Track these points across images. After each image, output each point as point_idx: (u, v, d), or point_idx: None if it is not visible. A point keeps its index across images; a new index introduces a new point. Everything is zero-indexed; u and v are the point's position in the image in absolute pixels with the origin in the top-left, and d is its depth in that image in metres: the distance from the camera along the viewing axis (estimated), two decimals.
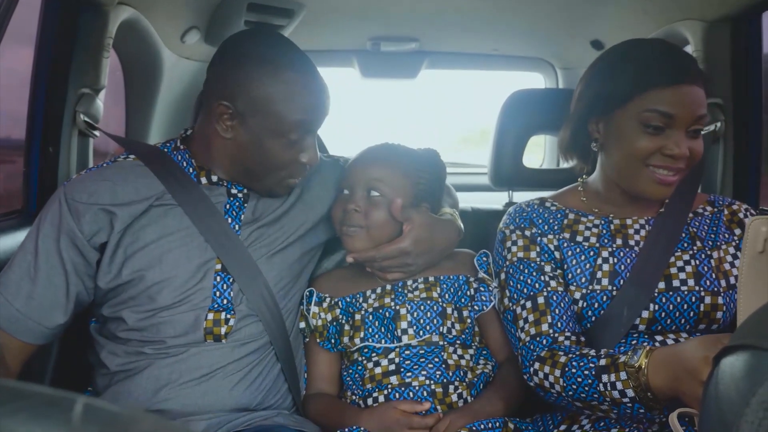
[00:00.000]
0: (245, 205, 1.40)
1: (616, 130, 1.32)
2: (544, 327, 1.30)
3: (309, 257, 1.52)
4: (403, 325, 1.40)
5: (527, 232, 1.40)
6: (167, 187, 1.34)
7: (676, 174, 1.29)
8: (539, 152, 3.06)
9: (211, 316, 1.32)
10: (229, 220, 1.37)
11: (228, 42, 1.36)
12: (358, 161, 1.48)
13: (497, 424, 1.32)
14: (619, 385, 1.13)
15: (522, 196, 1.83)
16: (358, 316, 1.44)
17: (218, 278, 1.34)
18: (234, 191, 1.40)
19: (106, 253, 1.30)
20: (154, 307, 1.30)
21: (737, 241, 1.36)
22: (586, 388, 1.18)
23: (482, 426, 1.30)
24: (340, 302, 1.47)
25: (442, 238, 1.47)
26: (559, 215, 1.42)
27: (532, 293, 1.34)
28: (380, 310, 1.43)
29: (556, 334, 1.29)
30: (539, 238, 1.39)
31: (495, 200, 2.07)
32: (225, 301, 1.33)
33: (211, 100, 1.33)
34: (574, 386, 1.19)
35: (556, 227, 1.40)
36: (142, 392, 1.29)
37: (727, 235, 1.37)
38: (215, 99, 1.31)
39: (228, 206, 1.38)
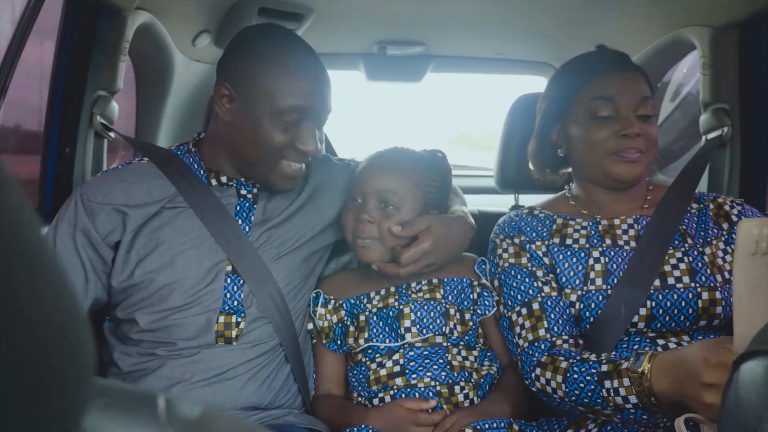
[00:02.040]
0: (255, 206, 1.41)
1: (572, 128, 1.41)
2: (541, 332, 1.31)
3: (317, 258, 1.53)
4: (407, 323, 1.41)
5: (516, 240, 1.42)
6: (178, 189, 1.36)
7: (638, 152, 1.35)
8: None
9: (222, 318, 1.33)
10: (240, 221, 1.39)
11: (235, 36, 1.41)
12: (370, 170, 1.47)
13: (502, 424, 1.32)
14: (622, 391, 1.14)
15: (528, 199, 1.85)
16: (362, 317, 1.45)
17: (228, 280, 1.35)
18: (243, 192, 1.41)
19: (120, 252, 1.31)
20: (165, 309, 1.31)
21: (726, 236, 1.38)
22: (589, 394, 1.19)
23: (487, 426, 1.30)
24: (344, 304, 1.48)
25: (458, 233, 1.48)
26: (547, 221, 1.44)
27: (526, 299, 1.35)
28: (384, 310, 1.44)
29: (554, 338, 1.30)
30: (528, 245, 1.41)
31: (501, 203, 2.09)
32: (235, 303, 1.34)
33: (216, 86, 1.37)
34: (577, 392, 1.21)
35: (544, 233, 1.42)
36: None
37: (715, 230, 1.39)
38: (218, 82, 1.35)
39: (238, 207, 1.40)
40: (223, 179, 1.41)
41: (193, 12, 1.93)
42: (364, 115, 4.07)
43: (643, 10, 1.98)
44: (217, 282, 1.34)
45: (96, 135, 1.68)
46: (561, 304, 1.34)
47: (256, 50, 1.34)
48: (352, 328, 1.45)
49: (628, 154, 1.35)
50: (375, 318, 1.44)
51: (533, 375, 1.29)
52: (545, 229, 1.43)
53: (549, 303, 1.34)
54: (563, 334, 1.31)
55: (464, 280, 1.48)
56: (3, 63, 1.35)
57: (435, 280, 1.47)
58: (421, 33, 2.47)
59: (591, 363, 1.20)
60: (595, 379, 1.18)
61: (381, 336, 1.42)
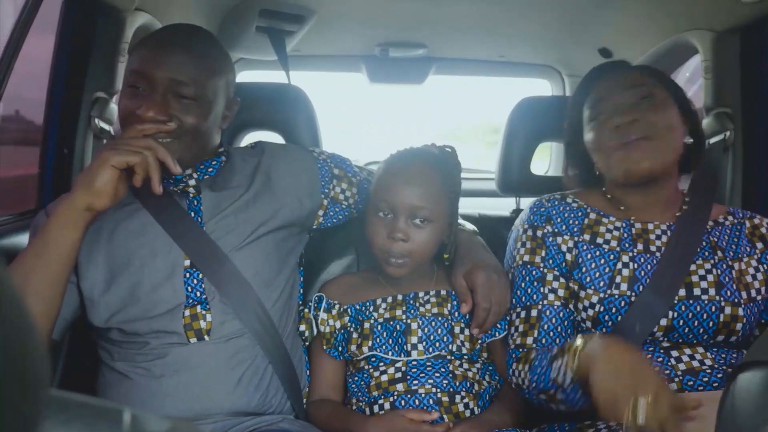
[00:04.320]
0: (200, 196, 1.40)
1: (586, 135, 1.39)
2: (529, 340, 1.33)
3: (288, 247, 1.48)
4: (414, 340, 1.39)
5: (539, 232, 1.39)
6: (133, 192, 1.37)
7: (634, 135, 1.29)
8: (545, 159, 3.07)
9: (187, 312, 1.32)
10: (193, 214, 1.38)
11: None
12: (396, 182, 1.40)
13: None
14: (562, 369, 1.16)
15: (529, 203, 1.83)
16: (367, 325, 1.42)
17: (187, 274, 1.34)
18: (173, 188, 1.40)
19: (80, 255, 1.33)
20: (132, 311, 1.32)
21: (759, 255, 1.37)
22: (543, 377, 1.22)
23: None
24: (349, 309, 1.45)
25: (486, 254, 1.50)
26: (579, 213, 1.40)
27: (528, 303, 1.36)
28: (391, 322, 1.41)
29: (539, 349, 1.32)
30: (551, 238, 1.38)
31: (502, 206, 2.08)
32: (198, 294, 1.34)
33: None
34: (536, 377, 1.24)
35: (575, 228, 1.38)
36: (138, 396, 1.31)
37: (748, 248, 1.37)
38: None
39: (188, 202, 1.39)
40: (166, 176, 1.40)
41: (194, 13, 1.93)
42: (354, 113, 4.11)
43: (646, 14, 1.97)
44: (175, 277, 1.34)
45: (95, 137, 1.69)
46: (561, 314, 1.33)
47: None
48: (355, 335, 1.43)
49: (629, 138, 1.29)
50: (380, 328, 1.41)
51: (511, 371, 1.33)
52: (576, 222, 1.39)
53: (548, 313, 1.33)
54: (550, 347, 1.31)
55: None
56: (2, 58, 1.35)
57: (443, 292, 1.45)
58: (423, 35, 2.47)
59: (550, 351, 1.23)
60: (548, 361, 1.21)
61: (384, 347, 1.40)
